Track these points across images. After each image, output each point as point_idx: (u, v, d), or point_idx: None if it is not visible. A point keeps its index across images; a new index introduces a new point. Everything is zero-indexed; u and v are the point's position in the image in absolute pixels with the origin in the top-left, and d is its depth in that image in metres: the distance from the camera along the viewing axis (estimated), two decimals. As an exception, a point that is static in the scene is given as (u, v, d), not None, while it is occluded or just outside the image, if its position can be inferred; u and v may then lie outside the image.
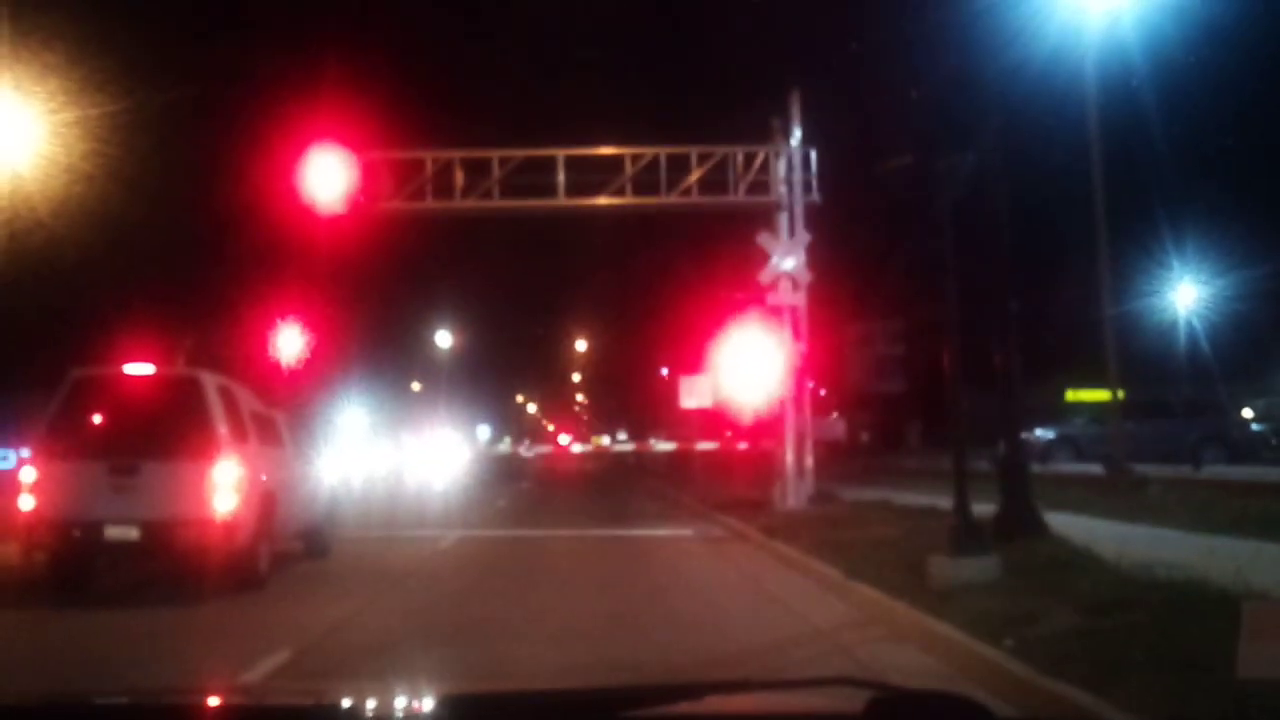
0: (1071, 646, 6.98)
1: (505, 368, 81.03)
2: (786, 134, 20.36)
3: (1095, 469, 22.40)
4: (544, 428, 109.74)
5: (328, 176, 19.61)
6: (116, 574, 12.52)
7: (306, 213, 19.80)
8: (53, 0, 20.32)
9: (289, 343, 30.46)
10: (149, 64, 22.93)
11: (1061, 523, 12.39)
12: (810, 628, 9.56)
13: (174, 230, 26.19)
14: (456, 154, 20.51)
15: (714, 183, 20.39)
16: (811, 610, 10.37)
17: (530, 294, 65.99)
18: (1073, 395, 40.86)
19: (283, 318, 30.43)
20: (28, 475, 11.53)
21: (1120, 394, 21.23)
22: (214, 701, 3.48)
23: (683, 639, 9.16)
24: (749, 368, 19.56)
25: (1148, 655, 6.50)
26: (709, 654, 8.53)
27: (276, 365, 29.08)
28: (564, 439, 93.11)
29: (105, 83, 20.07)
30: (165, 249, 27.14)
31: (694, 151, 20.39)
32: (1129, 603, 7.87)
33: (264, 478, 12.57)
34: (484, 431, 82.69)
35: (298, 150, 19.74)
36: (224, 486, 11.42)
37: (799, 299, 19.82)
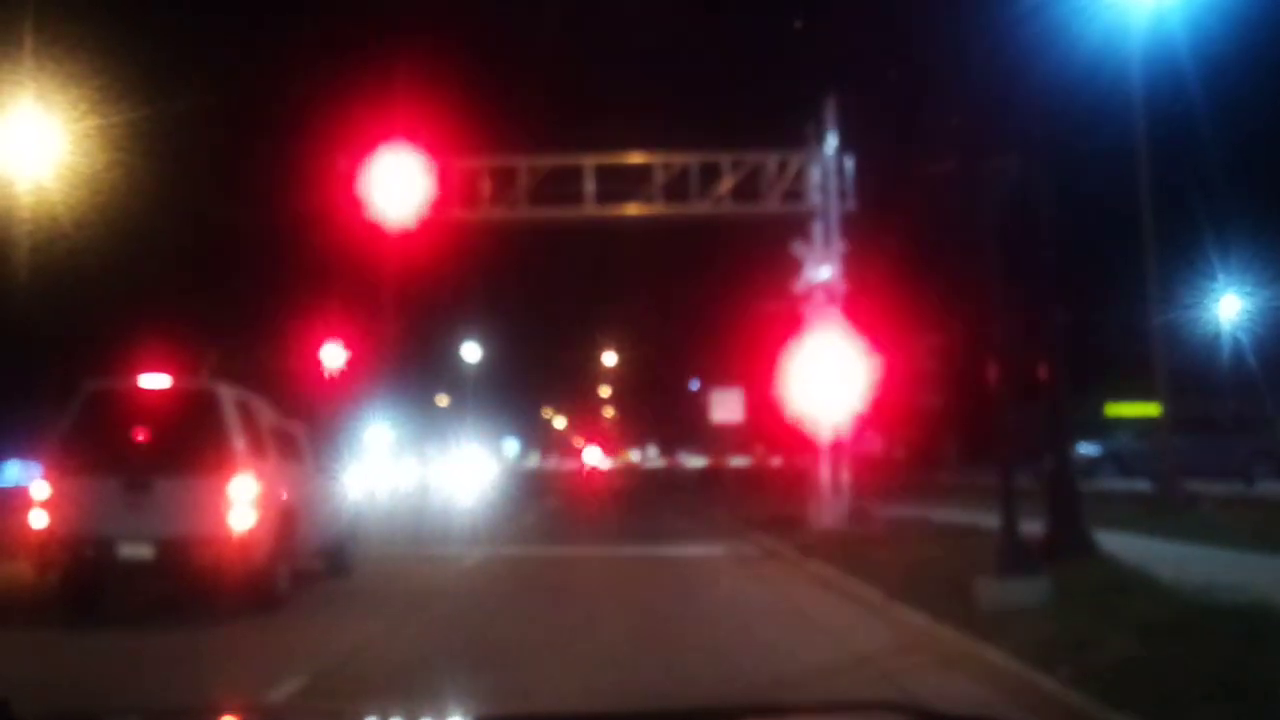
0: (1131, 675, 6.66)
1: (533, 381, 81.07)
2: (821, 140, 20.03)
3: (1143, 486, 21.96)
4: (572, 443, 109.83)
5: (355, 187, 19.42)
6: (130, 593, 12.24)
7: (332, 223, 19.63)
8: (77, 7, 20.24)
9: (313, 356, 30.36)
10: (170, 76, 22.90)
11: (1111, 542, 12.11)
12: (851, 653, 9.22)
13: (196, 241, 26.16)
14: (484, 162, 20.29)
15: (747, 191, 20.15)
16: (851, 634, 10.04)
17: (558, 306, 65.89)
18: (1113, 410, 40.31)
19: (307, 331, 30.35)
20: (40, 491, 11.26)
21: (1160, 409, 20.75)
22: None
23: (715, 664, 8.83)
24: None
25: (1212, 684, 6.19)
26: (744, 681, 8.19)
27: (300, 378, 28.97)
28: (592, 454, 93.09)
29: (128, 91, 20.00)
30: (188, 260, 27.13)
31: (726, 159, 20.15)
32: (1190, 628, 7.58)
33: (283, 494, 12.29)
34: (511, 446, 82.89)
35: (323, 161, 19.59)
36: (241, 503, 11.13)
37: (834, 310, 19.43)
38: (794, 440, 22.31)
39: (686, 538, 21.86)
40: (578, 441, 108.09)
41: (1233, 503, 18.44)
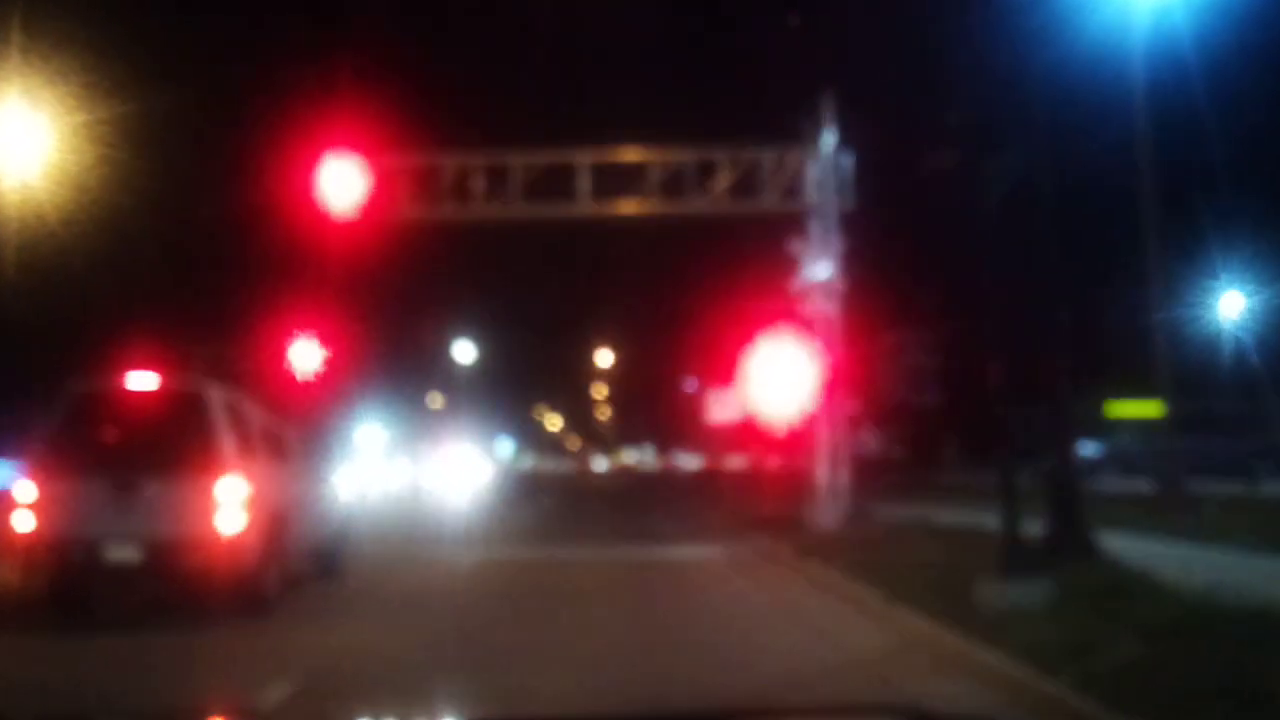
0: (1136, 678, 6.58)
1: (527, 381, 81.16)
2: (819, 137, 19.97)
3: (1144, 486, 21.88)
4: (567, 443, 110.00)
5: (343, 183, 19.41)
6: (117, 596, 12.10)
7: (322, 220, 19.55)
8: (62, 5, 20.12)
9: (304, 355, 30.22)
10: (159, 69, 22.76)
11: (1113, 543, 12.05)
12: (850, 657, 9.18)
13: (186, 239, 26.09)
14: (477, 159, 20.21)
15: (744, 188, 20.09)
16: (851, 637, 9.98)
17: (553, 304, 65.86)
18: (1114, 409, 40.36)
19: (298, 329, 30.20)
20: (25, 492, 11.11)
21: (1162, 408, 20.66)
22: None
23: (713, 669, 8.74)
24: (780, 380, 19.06)
25: (1217, 688, 6.11)
26: (742, 686, 8.11)
27: (291, 378, 28.85)
28: (587, 454, 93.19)
29: (114, 88, 19.88)
30: (177, 258, 27.06)
31: (723, 156, 20.10)
32: (1195, 630, 7.52)
33: (273, 496, 12.13)
34: (505, 446, 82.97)
35: (313, 157, 19.51)
36: (229, 505, 11.00)
37: (831, 308, 19.35)
38: (792, 440, 22.24)
39: (683, 539, 21.78)
40: (572, 442, 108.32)
41: (1236, 503, 18.39)
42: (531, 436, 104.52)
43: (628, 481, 62.75)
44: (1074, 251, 16.44)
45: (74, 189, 20.09)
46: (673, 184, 19.88)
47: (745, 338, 20.40)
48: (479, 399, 67.46)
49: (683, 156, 19.97)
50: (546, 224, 21.81)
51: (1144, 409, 27.36)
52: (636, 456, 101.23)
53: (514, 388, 78.47)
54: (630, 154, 20.23)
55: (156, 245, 25.15)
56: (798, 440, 20.96)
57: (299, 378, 29.36)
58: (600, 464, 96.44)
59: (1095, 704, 6.30)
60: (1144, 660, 6.96)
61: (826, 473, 19.43)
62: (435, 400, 67.26)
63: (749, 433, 24.85)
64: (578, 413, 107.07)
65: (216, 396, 11.69)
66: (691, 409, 44.50)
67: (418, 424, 56.93)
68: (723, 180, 19.91)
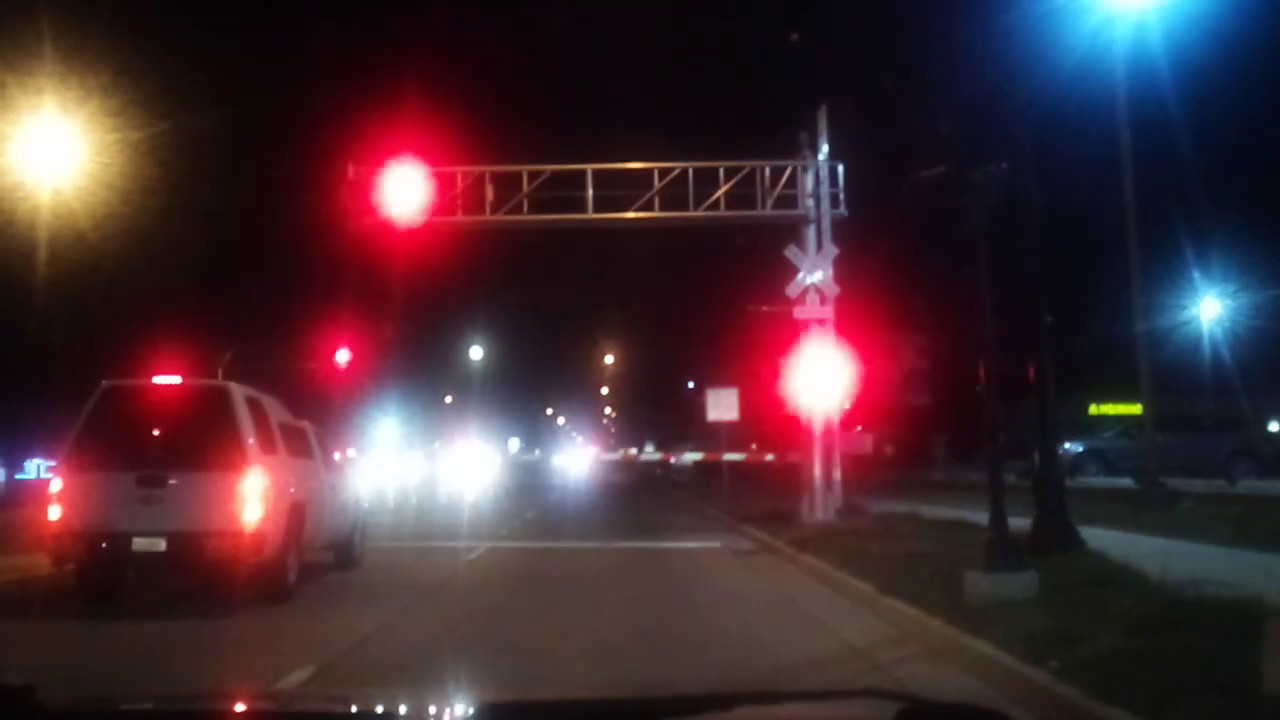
0: (1120, 668, 6.64)
1: (536, 381, 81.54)
2: (814, 148, 20.33)
3: (1125, 482, 22.18)
4: (573, 439, 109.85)
5: (365, 191, 19.74)
6: (144, 585, 12.49)
7: (341, 228, 19.91)
8: (98, 22, 20.50)
9: (323, 356, 30.54)
10: (188, 91, 23.11)
11: (1096, 537, 12.20)
12: (845, 645, 9.37)
13: (210, 246, 26.41)
14: (487, 168, 20.59)
15: (742, 197, 20.42)
16: (845, 627, 10.17)
17: (560, 307, 66.28)
18: (1096, 409, 40.68)
19: (318, 332, 30.53)
20: (55, 486, 11.53)
21: (1141, 408, 20.99)
22: (241, 708, 3.42)
23: (714, 656, 9.00)
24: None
25: (1202, 678, 6.18)
26: (741, 673, 8.36)
27: (311, 377, 29.13)
28: (592, 451, 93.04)
29: (148, 103, 20.23)
30: (203, 264, 27.35)
31: (722, 166, 20.41)
32: (1178, 622, 7.53)
33: (292, 489, 12.52)
34: (514, 443, 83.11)
35: (339, 166, 19.94)
36: (251, 498, 11.35)
37: (826, 312, 19.72)
38: (787, 438, 22.57)
39: (683, 532, 22.03)
40: (579, 438, 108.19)
41: (1214, 499, 18.58)
42: (540, 433, 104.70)
43: (631, 477, 62.74)
44: (1059, 258, 16.78)
45: (105, 199, 20.37)
46: (674, 192, 20.20)
47: (742, 340, 20.76)
48: (490, 397, 67.82)
49: (683, 166, 20.30)
50: (553, 230, 22.07)
51: (1126, 410, 27.79)
52: (638, 451, 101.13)
53: (523, 386, 78.84)
54: (633, 163, 20.60)
55: (183, 252, 25.45)
56: (792, 437, 21.22)
57: (319, 376, 29.65)
58: (605, 459, 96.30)
59: (1079, 692, 6.42)
60: (1128, 650, 7.01)
61: (820, 469, 19.80)
62: (449, 398, 67.55)
63: (765, 429, 25.07)
64: (584, 411, 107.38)
65: (239, 394, 12.05)
66: (692, 407, 44.87)
67: (432, 421, 57.17)
68: (722, 189, 20.22)
